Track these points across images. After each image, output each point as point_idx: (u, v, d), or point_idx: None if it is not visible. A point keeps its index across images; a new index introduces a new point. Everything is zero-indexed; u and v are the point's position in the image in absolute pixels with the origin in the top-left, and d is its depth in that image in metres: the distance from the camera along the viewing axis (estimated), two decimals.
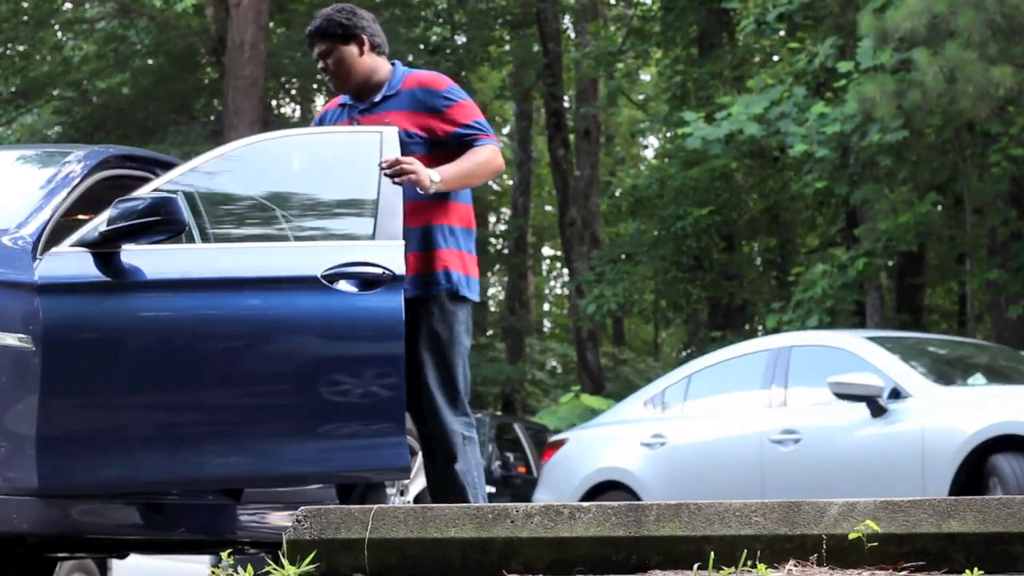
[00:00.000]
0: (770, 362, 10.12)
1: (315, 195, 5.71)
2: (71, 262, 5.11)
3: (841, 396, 9.31)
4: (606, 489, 10.60)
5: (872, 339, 9.97)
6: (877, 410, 9.15)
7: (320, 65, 5.85)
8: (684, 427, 10.45)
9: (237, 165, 5.55)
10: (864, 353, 9.62)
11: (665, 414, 10.71)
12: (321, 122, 5.97)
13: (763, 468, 9.66)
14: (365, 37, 5.79)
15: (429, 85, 5.78)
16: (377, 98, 5.77)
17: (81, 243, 5.16)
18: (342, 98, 5.92)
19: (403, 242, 5.38)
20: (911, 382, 9.26)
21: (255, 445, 5.16)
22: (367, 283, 5.29)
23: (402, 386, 5.23)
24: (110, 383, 5.08)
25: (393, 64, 5.87)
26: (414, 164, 5.44)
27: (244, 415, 5.20)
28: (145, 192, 5.24)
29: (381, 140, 5.52)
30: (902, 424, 9.07)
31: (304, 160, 5.71)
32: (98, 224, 5.15)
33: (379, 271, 5.29)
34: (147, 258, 5.17)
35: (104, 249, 5.13)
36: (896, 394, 9.19)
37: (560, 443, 11.40)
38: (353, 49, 5.77)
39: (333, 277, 5.27)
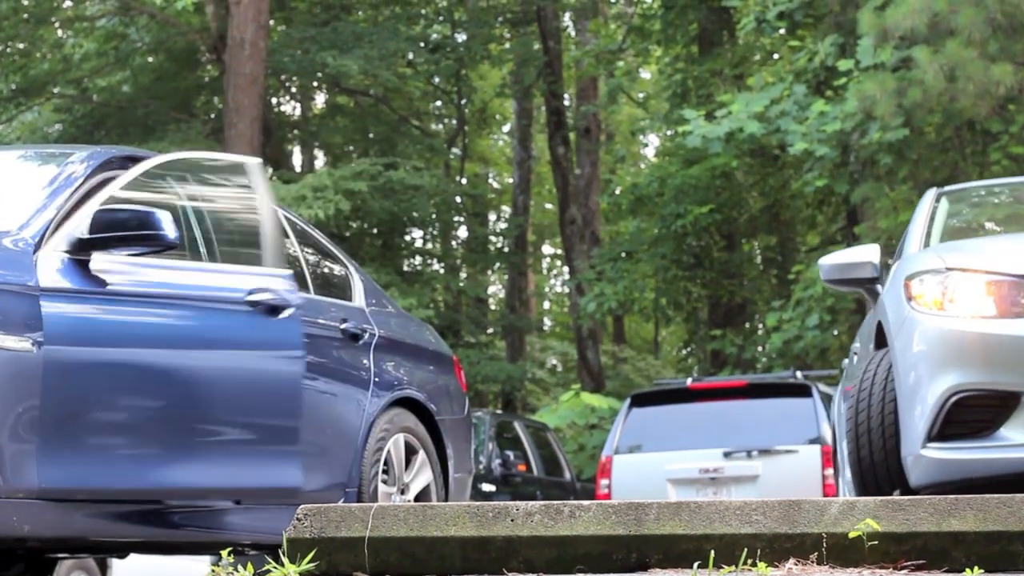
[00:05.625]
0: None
1: (211, 220, 5.91)
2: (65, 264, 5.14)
3: (833, 283, 6.69)
4: None
5: (946, 193, 7.01)
6: (874, 297, 6.48)
7: None
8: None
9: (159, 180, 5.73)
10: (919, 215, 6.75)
11: None
12: None
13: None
14: None
15: None
16: None
17: (66, 246, 5.20)
18: None
19: (290, 271, 5.85)
20: (908, 249, 6.40)
21: (175, 458, 5.35)
22: (272, 308, 5.70)
23: (298, 410, 5.65)
24: (110, 385, 5.09)
25: None
26: None
27: (166, 429, 5.36)
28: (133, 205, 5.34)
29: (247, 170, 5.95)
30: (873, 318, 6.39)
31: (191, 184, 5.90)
32: (81, 229, 5.23)
33: (281, 298, 5.71)
34: (129, 271, 5.30)
35: (78, 256, 5.19)
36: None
37: None
38: None
39: (250, 300, 5.65)
